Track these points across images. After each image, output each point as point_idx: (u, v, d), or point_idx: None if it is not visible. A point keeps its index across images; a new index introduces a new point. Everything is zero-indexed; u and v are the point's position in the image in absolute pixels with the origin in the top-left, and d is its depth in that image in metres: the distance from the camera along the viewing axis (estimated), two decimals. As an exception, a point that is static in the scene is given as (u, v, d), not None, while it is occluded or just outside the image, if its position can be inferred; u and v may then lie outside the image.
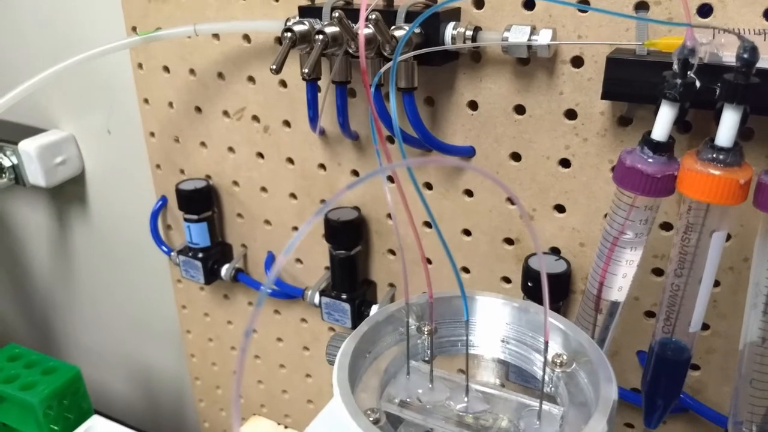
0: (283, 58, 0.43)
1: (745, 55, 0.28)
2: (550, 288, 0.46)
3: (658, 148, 0.31)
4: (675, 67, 0.30)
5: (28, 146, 0.73)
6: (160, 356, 0.86)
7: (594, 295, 0.37)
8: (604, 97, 0.39)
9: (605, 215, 0.45)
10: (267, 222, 0.64)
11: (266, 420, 0.25)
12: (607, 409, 0.25)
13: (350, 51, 0.43)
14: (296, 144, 0.57)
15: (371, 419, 0.26)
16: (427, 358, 0.32)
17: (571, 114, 0.44)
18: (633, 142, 0.42)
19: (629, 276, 0.35)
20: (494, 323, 0.33)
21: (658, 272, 0.45)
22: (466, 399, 0.29)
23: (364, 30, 0.42)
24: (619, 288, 0.36)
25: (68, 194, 0.81)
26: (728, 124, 0.29)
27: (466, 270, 0.53)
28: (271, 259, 0.65)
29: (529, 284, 0.46)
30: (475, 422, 0.28)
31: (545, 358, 0.28)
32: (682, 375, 0.36)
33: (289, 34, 0.43)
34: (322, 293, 0.58)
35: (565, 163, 0.45)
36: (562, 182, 0.46)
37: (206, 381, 0.81)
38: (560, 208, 0.47)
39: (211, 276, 0.66)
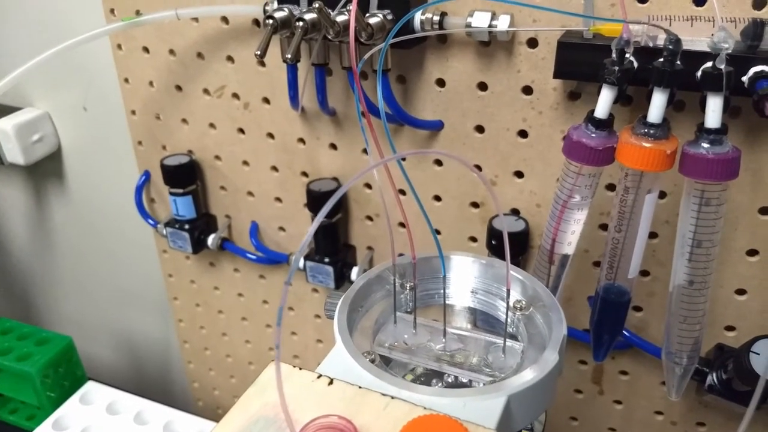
0: (267, 44, 0.47)
1: (671, 46, 0.33)
2: (511, 245, 0.52)
3: (600, 124, 0.37)
4: (613, 55, 0.35)
5: (5, 125, 0.75)
6: (147, 323, 0.91)
7: (548, 250, 0.43)
8: (555, 76, 0.44)
9: (557, 180, 0.51)
10: (250, 194, 0.68)
11: (284, 364, 0.30)
12: (558, 343, 0.31)
13: (328, 36, 0.47)
14: (276, 120, 0.61)
15: (368, 359, 0.32)
16: (410, 310, 0.38)
17: (527, 90, 0.49)
18: (582, 115, 0.47)
19: (577, 233, 0.41)
20: (466, 278, 0.39)
21: (605, 227, 0.51)
22: (443, 340, 0.35)
23: (340, 17, 0.46)
24: (568, 243, 0.42)
25: (46, 171, 0.83)
26: (657, 104, 0.35)
27: (438, 232, 0.59)
28: (255, 228, 0.69)
29: (493, 242, 0.52)
30: (451, 359, 0.34)
31: (507, 303, 0.34)
32: (624, 314, 0.42)
33: (271, 21, 0.47)
34: (307, 258, 0.63)
35: (523, 134, 0.51)
36: (520, 151, 0.51)
37: (195, 344, 0.86)
38: (519, 174, 0.53)
39: (198, 246, 0.70)
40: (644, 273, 0.52)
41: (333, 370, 0.30)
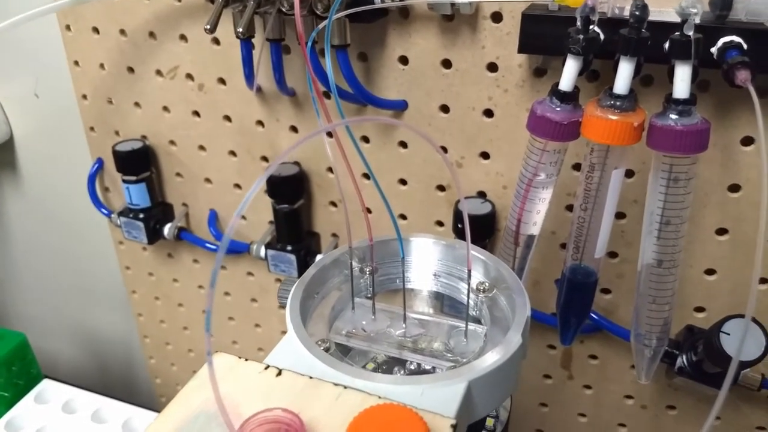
0: (217, 18, 0.44)
1: (637, 12, 0.31)
2: (477, 228, 0.50)
3: (564, 97, 0.35)
4: (578, 23, 0.34)
5: (-48, 114, 0.71)
6: (106, 318, 0.87)
7: (513, 231, 0.42)
8: (520, 50, 0.43)
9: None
10: (207, 180, 0.65)
11: (228, 355, 0.28)
12: (521, 325, 0.30)
13: (283, 9, 0.45)
14: (233, 101, 0.58)
15: (322, 348, 0.30)
16: (369, 295, 0.36)
17: (492, 67, 0.47)
18: (548, 92, 0.46)
19: (542, 212, 0.40)
20: (427, 261, 0.37)
21: (572, 208, 0.50)
22: (404, 326, 0.33)
23: (295, -11, 0.43)
24: (534, 223, 0.40)
25: (-3, 160, 0.79)
26: (624, 74, 0.33)
27: (403, 217, 0.57)
28: (214, 217, 0.66)
29: (459, 226, 0.51)
30: (413, 344, 0.32)
31: (468, 285, 0.32)
32: (591, 296, 0.41)
33: None
34: (268, 246, 0.61)
35: (488, 113, 0.49)
36: (486, 131, 0.50)
37: (155, 338, 0.83)
38: (485, 155, 0.51)
39: (154, 236, 0.67)
40: (612, 254, 0.51)
41: (283, 361, 0.28)
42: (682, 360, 0.47)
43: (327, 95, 0.54)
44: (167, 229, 0.67)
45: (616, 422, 0.59)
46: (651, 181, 0.36)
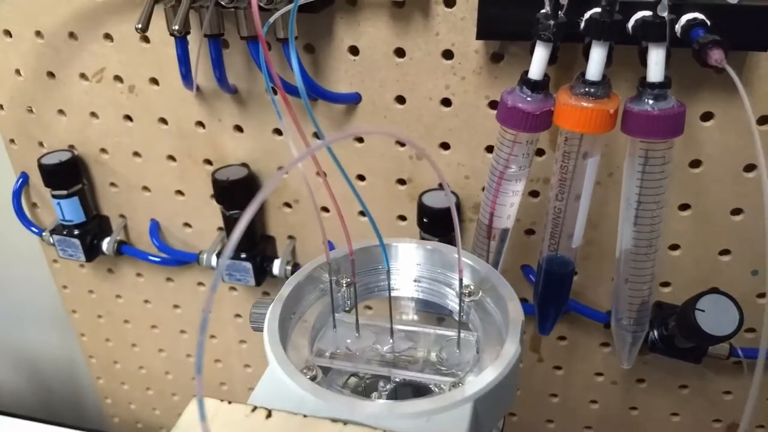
0: (149, 16, 0.40)
1: (609, -5, 0.30)
2: (442, 221, 0.49)
3: (535, 86, 0.34)
4: (547, 8, 0.32)
5: None
6: (47, 340, 0.81)
7: (486, 225, 0.40)
8: (479, 36, 0.41)
9: (486, 148, 0.48)
10: (146, 188, 0.60)
11: (212, 399, 0.25)
12: (517, 332, 0.28)
13: (221, 3, 0.41)
14: (168, 102, 0.54)
15: (308, 377, 0.27)
16: (348, 308, 0.33)
17: (448, 54, 0.45)
18: (507, 78, 0.45)
19: (516, 205, 0.39)
20: (407, 266, 0.35)
21: (535, 194, 0.49)
22: (391, 340, 0.31)
23: (234, -20, 0.40)
24: (507, 216, 0.39)
25: None
26: (597, 59, 0.32)
27: (363, 214, 0.55)
28: (155, 227, 0.62)
29: (425, 220, 0.49)
30: (403, 360, 0.30)
31: (460, 291, 0.30)
32: (568, 285, 0.40)
33: None
34: (220, 255, 0.57)
35: (446, 102, 0.47)
36: (445, 121, 0.48)
37: (102, 358, 0.77)
38: (445, 146, 0.49)
39: (92, 252, 0.62)
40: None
41: (270, 398, 0.25)
42: (653, 336, 0.47)
43: (274, 91, 0.51)
44: (106, 244, 0.62)
45: (588, 400, 0.60)
46: (627, 167, 0.35)
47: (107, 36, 0.52)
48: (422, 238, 0.51)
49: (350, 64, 0.48)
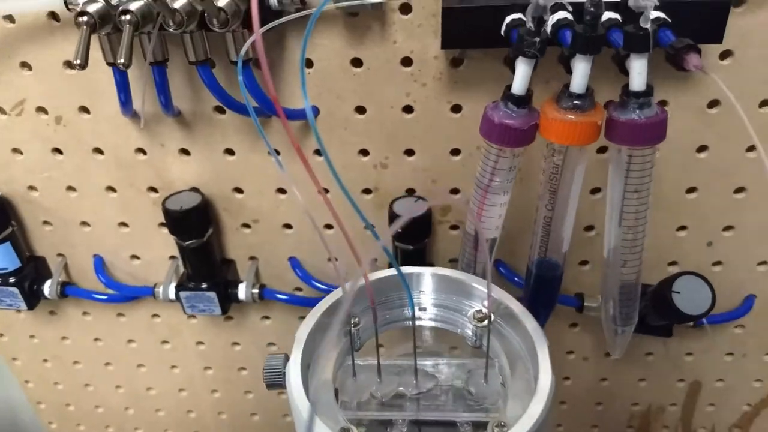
0: (86, 49, 0.36)
1: (592, 8, 0.30)
2: (417, 228, 0.48)
3: (520, 102, 0.33)
4: (529, 24, 0.31)
5: None
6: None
7: (472, 236, 0.40)
8: (444, 46, 0.40)
9: (452, 152, 0.47)
10: (84, 224, 0.55)
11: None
12: (547, 358, 0.28)
13: (170, 29, 0.37)
14: (101, 131, 0.50)
15: (349, 438, 0.26)
16: (358, 347, 0.32)
17: (407, 62, 0.44)
18: (467, 83, 0.44)
19: (503, 215, 0.39)
20: (417, 294, 0.34)
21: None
22: (415, 381, 0.30)
23: (178, 3, 0.36)
24: (496, 227, 0.39)
25: None
26: (581, 73, 0.32)
27: (329, 226, 0.53)
28: (100, 263, 0.57)
29: (399, 230, 0.48)
30: (432, 401, 0.30)
31: (489, 325, 0.30)
32: (558, 287, 0.41)
33: (85, 18, 0.36)
34: (180, 288, 0.54)
35: (408, 109, 0.46)
36: (408, 128, 0.47)
37: (52, 402, 0.72)
38: (410, 152, 0.48)
39: (33, 299, 0.57)
40: (545, 228, 0.51)
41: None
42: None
43: (221, 110, 0.48)
44: (48, 288, 0.57)
45: (561, 377, 0.62)
46: (611, 172, 0.36)
47: (25, 65, 0.46)
48: (395, 247, 0.50)
49: (305, 78, 0.45)
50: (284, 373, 0.30)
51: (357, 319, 0.33)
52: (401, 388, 0.30)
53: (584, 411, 0.64)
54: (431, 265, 0.53)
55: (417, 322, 0.34)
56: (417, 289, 0.35)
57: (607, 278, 0.39)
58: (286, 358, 0.31)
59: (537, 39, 0.31)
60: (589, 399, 0.63)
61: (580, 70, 0.32)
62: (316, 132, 0.42)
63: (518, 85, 0.33)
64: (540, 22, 0.31)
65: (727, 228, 0.50)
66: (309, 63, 0.44)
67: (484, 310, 0.32)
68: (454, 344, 0.35)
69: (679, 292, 0.42)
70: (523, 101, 0.33)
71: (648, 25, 0.30)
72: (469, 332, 0.33)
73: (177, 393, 0.68)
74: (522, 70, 0.33)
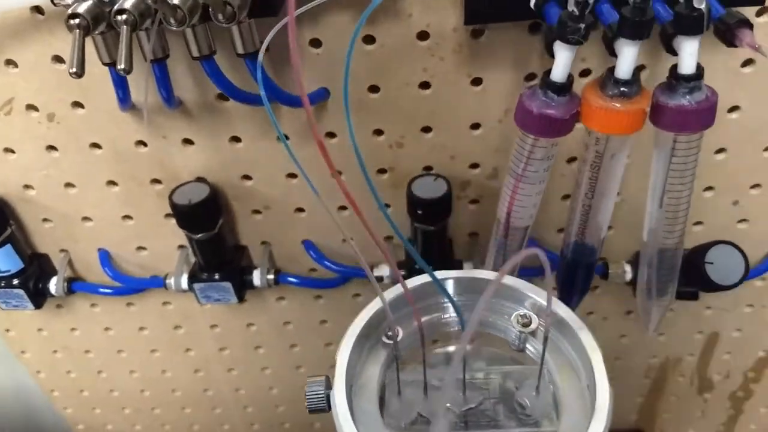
0: (82, 56, 0.33)
1: (642, -10, 0.27)
2: (437, 210, 0.46)
3: (561, 90, 0.31)
4: (573, 9, 0.29)
5: None
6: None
7: (503, 223, 0.39)
8: (468, 21, 0.37)
9: (471, 126, 0.45)
10: (87, 219, 0.53)
11: None
12: (602, 369, 0.27)
13: (169, 23, 0.34)
14: (98, 125, 0.46)
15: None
16: (401, 361, 0.31)
17: (423, 35, 0.41)
18: (489, 54, 0.41)
19: (537, 205, 0.37)
20: (444, 302, 0.33)
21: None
22: (463, 395, 0.30)
23: (177, -5, 0.33)
24: (530, 216, 0.37)
25: None
26: (629, 58, 0.29)
27: (344, 208, 0.51)
28: (106, 257, 0.55)
29: (419, 212, 0.46)
30: (483, 417, 0.29)
31: (545, 337, 0.29)
32: (592, 272, 0.40)
33: (77, 21, 0.32)
34: (193, 279, 0.52)
35: (425, 85, 0.43)
36: (425, 105, 0.44)
37: (66, 390, 0.71)
38: (427, 129, 0.46)
39: (40, 298, 0.55)
40: (567, 196, 0.50)
41: None
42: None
43: (223, 97, 0.45)
44: (54, 285, 0.55)
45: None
46: (655, 156, 0.34)
47: (10, 62, 0.42)
48: (414, 229, 0.49)
49: (313, 59, 0.42)
50: (327, 396, 0.29)
51: (397, 329, 0.31)
52: (449, 404, 0.29)
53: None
54: (450, 241, 0.52)
55: (457, 327, 0.33)
56: (454, 294, 0.33)
57: (646, 258, 0.38)
58: (327, 381, 0.29)
59: (582, 25, 0.29)
60: (607, 355, 0.63)
61: (628, 56, 0.29)
62: (348, 116, 0.40)
63: (559, 72, 0.31)
64: (585, 6, 0.29)
65: (755, 186, 0.49)
66: (317, 42, 0.41)
67: (529, 314, 0.31)
68: (493, 345, 0.34)
69: (712, 263, 0.42)
70: (563, 89, 0.31)
71: (702, 5, 0.28)
72: (513, 337, 0.32)
73: (193, 374, 0.68)
74: (564, 56, 0.30)
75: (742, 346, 0.61)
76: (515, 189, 0.36)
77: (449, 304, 0.33)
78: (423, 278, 0.33)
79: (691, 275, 0.43)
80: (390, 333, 0.31)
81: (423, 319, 0.32)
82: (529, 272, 0.54)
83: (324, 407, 0.29)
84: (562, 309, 0.30)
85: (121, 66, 0.32)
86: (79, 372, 0.69)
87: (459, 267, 0.52)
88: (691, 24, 0.28)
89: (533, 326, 0.31)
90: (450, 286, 0.33)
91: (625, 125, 0.30)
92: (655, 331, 0.43)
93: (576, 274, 0.39)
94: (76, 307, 0.61)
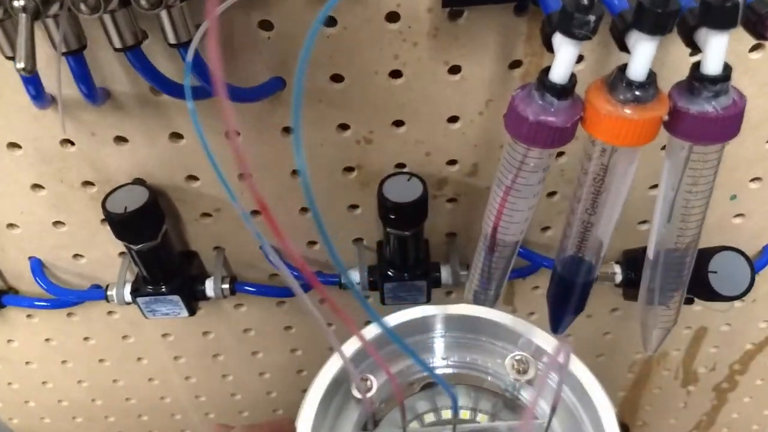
0: (32, 49, 0.26)
1: (667, -27, 0.22)
2: (413, 214, 0.41)
3: (563, 93, 0.26)
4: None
5: None
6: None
7: (489, 236, 0.34)
8: (446, 3, 0.31)
9: (449, 119, 0.40)
10: (12, 226, 0.46)
11: None
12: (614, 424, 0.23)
13: (80, 11, 0.27)
14: (13, 124, 0.40)
15: None
16: (378, 419, 0.27)
17: (393, 17, 0.35)
18: (468, 38, 0.36)
19: (529, 220, 0.32)
20: (427, 338, 0.28)
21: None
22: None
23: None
24: (521, 232, 0.33)
25: None
26: (644, 58, 0.24)
27: (305, 209, 0.45)
28: (38, 265, 0.49)
29: (391, 216, 0.41)
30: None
31: (555, 406, 0.24)
32: (588, 292, 0.35)
33: (22, 2, 0.26)
34: (136, 292, 0.46)
35: (396, 74, 0.37)
36: (397, 96, 0.38)
37: (9, 401, 0.65)
38: (399, 123, 0.40)
39: (-37, 315, 0.48)
40: (552, 193, 0.45)
41: None
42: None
43: (154, 91, 0.38)
44: (-22, 302, 0.48)
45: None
46: (667, 167, 0.29)
47: None
48: (386, 233, 0.43)
49: (264, 44, 0.36)
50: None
51: (369, 382, 0.27)
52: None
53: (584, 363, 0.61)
54: (426, 242, 0.47)
55: (440, 373, 0.28)
56: (432, 332, 0.28)
57: (653, 281, 0.33)
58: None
59: (592, 17, 0.23)
60: (590, 352, 0.60)
61: (644, 54, 0.24)
62: (297, 108, 0.34)
63: (560, 72, 0.25)
64: (595, -6, 0.23)
65: (754, 179, 0.45)
66: (268, 25, 0.35)
67: (526, 358, 0.27)
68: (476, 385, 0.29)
69: (716, 272, 0.38)
70: (565, 92, 0.26)
71: (741, -4, 0.22)
72: (506, 383, 0.27)
73: (147, 383, 0.63)
74: (567, 53, 0.25)
75: (730, 340, 0.59)
76: (503, 202, 0.31)
77: (437, 339, 0.29)
78: (395, 318, 0.28)
79: (693, 285, 0.39)
80: (366, 383, 0.26)
81: (405, 363, 0.28)
82: (515, 273, 0.50)
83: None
84: (550, 346, 0.26)
85: (20, 65, 0.26)
86: (22, 383, 0.63)
87: (436, 270, 0.47)
88: (723, 16, 0.23)
89: (530, 375, 0.27)
90: (438, 323, 0.28)
91: (639, 136, 0.25)
92: (655, 351, 0.39)
93: (571, 293, 0.35)
94: (11, 318, 0.55)
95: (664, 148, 0.41)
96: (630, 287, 0.46)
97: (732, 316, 0.56)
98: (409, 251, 0.45)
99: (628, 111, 0.25)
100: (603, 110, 0.25)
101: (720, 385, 0.64)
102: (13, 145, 0.41)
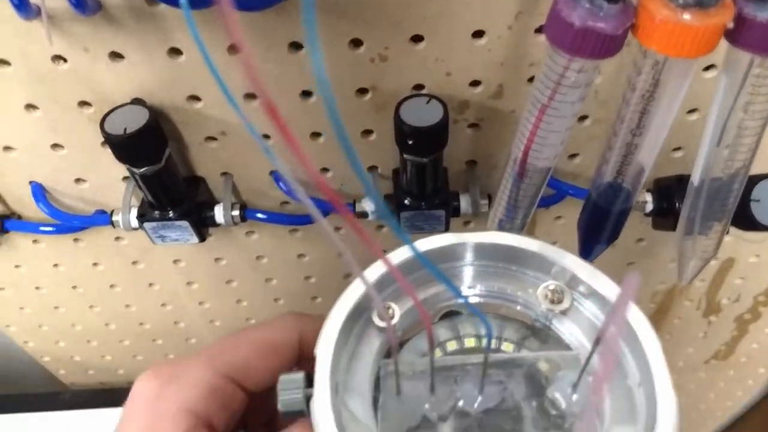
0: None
1: None
2: (432, 140, 0.38)
3: (615, -5, 0.22)
4: None
5: None
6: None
7: (520, 160, 0.31)
8: None
9: (474, 34, 0.36)
10: (9, 149, 0.44)
11: None
12: (664, 372, 0.21)
13: None
14: (4, 38, 0.37)
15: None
16: (399, 348, 0.25)
17: None
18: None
19: (566, 141, 0.29)
20: (454, 268, 0.26)
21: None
22: (478, 395, 0.24)
23: None
24: (554, 156, 0.30)
25: None
26: (715, -50, 0.21)
27: (317, 134, 0.43)
28: (39, 190, 0.47)
29: (409, 142, 0.38)
30: (504, 419, 0.23)
31: (593, 347, 0.22)
32: (624, 221, 0.33)
33: None
34: (142, 218, 0.44)
35: (415, -19, 0.34)
36: (416, 8, 0.35)
37: (23, 324, 0.66)
38: (418, 38, 0.37)
39: (-34, 241, 0.47)
40: (584, 117, 0.42)
41: None
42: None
43: (150, 1, 0.35)
44: (-20, 226, 0.47)
45: (583, 265, 0.57)
46: (722, 84, 0.26)
47: None
48: (403, 160, 0.41)
49: None
50: (305, 398, 0.23)
51: (391, 310, 0.25)
52: (461, 403, 0.23)
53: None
54: (445, 170, 0.45)
55: (462, 306, 0.26)
56: (460, 260, 0.26)
57: (700, 210, 0.31)
58: (308, 378, 0.23)
59: None
60: (613, 281, 0.58)
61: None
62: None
63: (612, -29, 0.22)
64: None
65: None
66: (273, -77, 0.31)
67: (560, 287, 0.25)
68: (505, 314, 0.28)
69: (759, 200, 0.35)
70: (617, -5, 0.22)
71: None
72: (537, 313, 0.25)
73: (160, 308, 0.62)
74: (622, -53, 0.21)
75: (758, 272, 0.56)
76: (537, 122, 0.28)
77: (465, 267, 0.27)
78: (422, 244, 0.26)
79: (736, 216, 0.37)
80: (389, 310, 0.24)
81: (429, 291, 0.26)
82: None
83: (302, 410, 0.23)
84: (605, 287, 0.24)
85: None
86: (34, 308, 0.63)
87: (455, 200, 0.45)
88: None
89: (565, 304, 0.25)
90: (468, 251, 0.26)
91: (699, 46, 0.22)
92: (689, 282, 0.37)
93: (605, 221, 0.32)
94: (16, 243, 0.54)
95: (707, 68, 0.38)
96: (661, 216, 0.44)
97: (762, 248, 0.54)
98: (427, 179, 0.42)
99: (687, 16, 0.22)
100: (659, 15, 0.22)
101: (742, 316, 0.63)
102: (3, 62, 0.38)
